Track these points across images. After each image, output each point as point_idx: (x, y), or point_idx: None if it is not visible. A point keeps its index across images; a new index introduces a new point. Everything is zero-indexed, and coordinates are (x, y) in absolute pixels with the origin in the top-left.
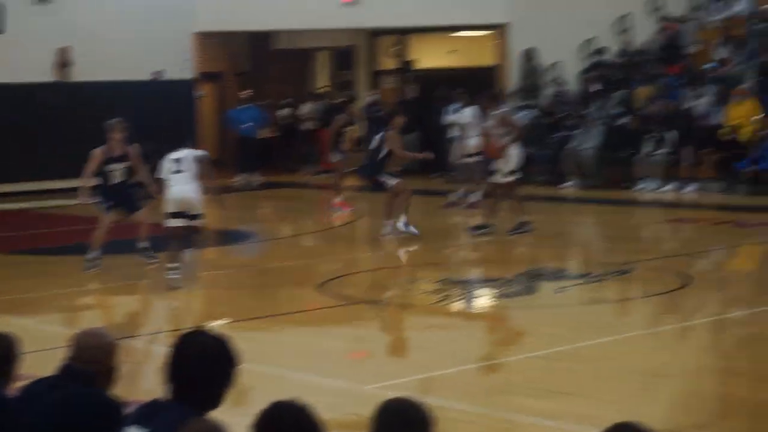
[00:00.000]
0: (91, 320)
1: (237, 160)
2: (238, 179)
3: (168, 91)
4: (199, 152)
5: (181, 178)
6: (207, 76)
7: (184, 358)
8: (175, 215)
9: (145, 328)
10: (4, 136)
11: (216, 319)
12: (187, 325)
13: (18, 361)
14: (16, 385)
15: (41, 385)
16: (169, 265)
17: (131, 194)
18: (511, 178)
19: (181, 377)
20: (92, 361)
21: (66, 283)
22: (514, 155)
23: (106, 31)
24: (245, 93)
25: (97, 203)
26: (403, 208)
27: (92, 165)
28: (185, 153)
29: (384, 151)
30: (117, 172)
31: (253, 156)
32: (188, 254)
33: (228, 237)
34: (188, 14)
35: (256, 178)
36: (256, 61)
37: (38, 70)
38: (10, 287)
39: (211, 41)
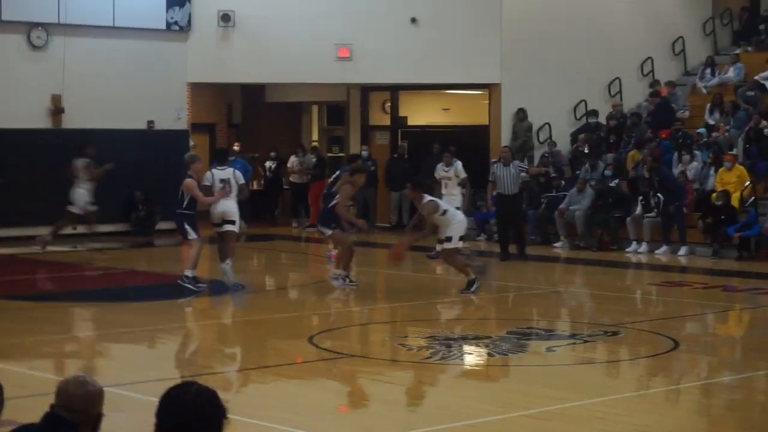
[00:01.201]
0: (75, 367)
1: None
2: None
3: (161, 141)
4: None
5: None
6: (200, 127)
7: (174, 409)
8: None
9: (131, 377)
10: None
11: (204, 369)
12: (174, 374)
13: (1, 407)
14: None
15: (27, 431)
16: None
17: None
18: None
19: (171, 428)
20: (77, 409)
21: (52, 329)
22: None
23: (99, 80)
24: (239, 145)
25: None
26: (345, 260)
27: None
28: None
29: (333, 201)
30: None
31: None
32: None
33: (216, 288)
34: (182, 65)
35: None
36: (248, 113)
37: (31, 116)
38: None
39: (205, 92)
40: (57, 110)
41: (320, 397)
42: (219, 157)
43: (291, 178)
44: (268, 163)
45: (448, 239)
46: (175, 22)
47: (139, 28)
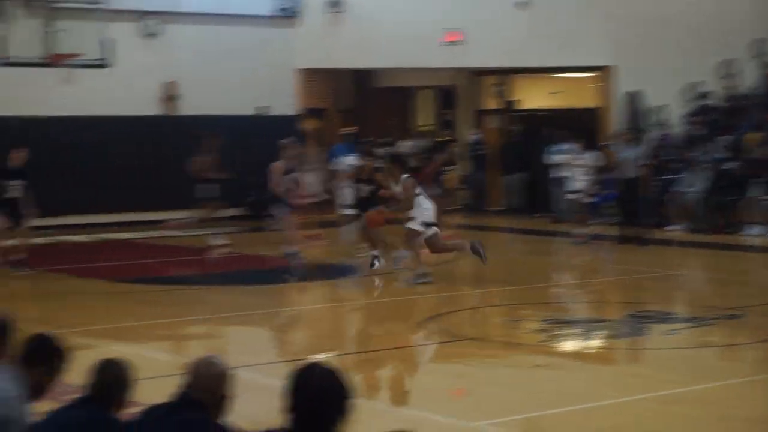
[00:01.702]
0: (198, 349)
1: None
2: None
3: (272, 126)
4: None
5: None
6: (311, 112)
7: (302, 390)
8: None
9: (252, 359)
10: (113, 168)
11: (322, 352)
12: (293, 357)
13: (131, 387)
14: (129, 411)
15: (157, 411)
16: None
17: None
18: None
19: (299, 408)
20: (206, 389)
21: (172, 312)
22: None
23: (211, 67)
24: (347, 130)
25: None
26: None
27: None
28: None
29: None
30: None
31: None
32: None
33: (331, 272)
34: (291, 51)
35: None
36: (359, 98)
37: (145, 104)
38: (118, 315)
39: (315, 78)
40: (170, 97)
41: (437, 380)
42: (348, 143)
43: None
44: (382, 149)
45: (412, 219)
46: (285, 9)
47: (249, 15)
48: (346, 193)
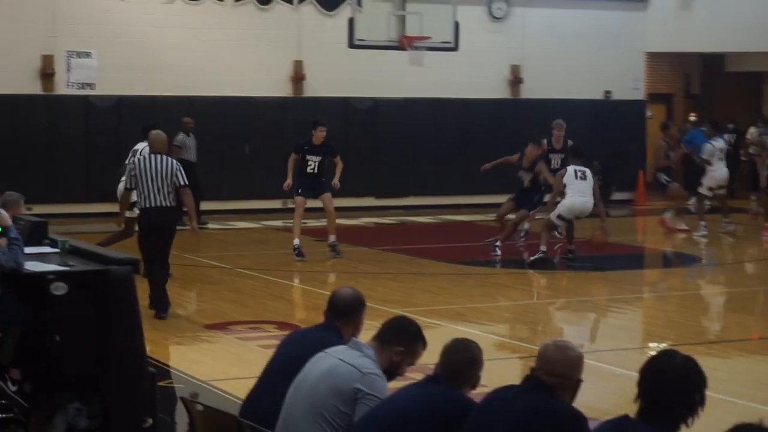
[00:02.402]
0: (532, 334)
1: (686, 182)
2: (690, 202)
3: (617, 111)
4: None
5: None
6: (656, 97)
7: (661, 377)
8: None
9: (592, 345)
10: (460, 151)
11: (662, 340)
12: (634, 344)
13: (482, 367)
14: (477, 392)
15: (507, 392)
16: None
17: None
18: None
19: (655, 395)
20: (557, 373)
21: (514, 295)
22: None
23: (556, 50)
24: (695, 116)
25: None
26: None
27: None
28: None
29: None
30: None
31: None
32: None
33: (673, 260)
34: (639, 35)
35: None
36: (706, 84)
37: (492, 87)
38: (457, 297)
39: (662, 62)
40: (516, 80)
41: None
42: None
43: (750, 150)
44: (726, 135)
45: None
46: None
47: None
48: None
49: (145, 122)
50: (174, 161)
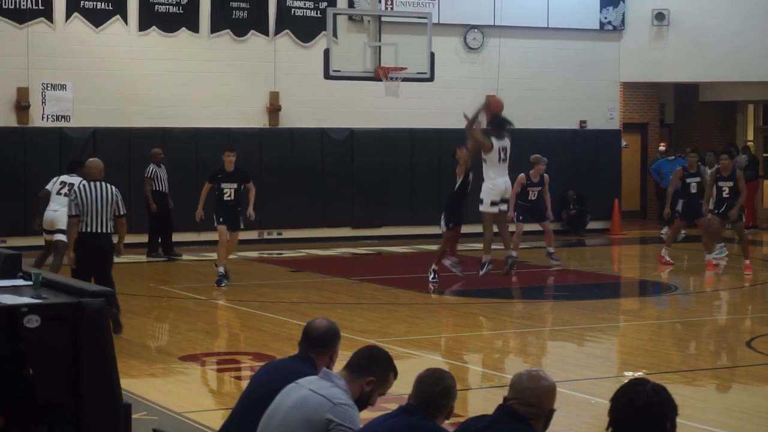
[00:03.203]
0: (509, 363)
1: (660, 211)
2: (663, 232)
3: (593, 141)
4: None
5: None
6: (631, 127)
7: (630, 406)
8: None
9: (566, 374)
10: (438, 180)
11: (638, 369)
12: (609, 374)
13: (456, 398)
14: (450, 422)
15: (479, 423)
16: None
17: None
18: None
19: (627, 425)
20: (530, 402)
21: (489, 325)
22: None
23: (532, 80)
24: (664, 145)
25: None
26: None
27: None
28: None
29: None
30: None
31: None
32: None
33: (648, 288)
34: (614, 65)
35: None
36: (680, 113)
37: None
38: (433, 326)
39: (637, 92)
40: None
41: (758, 403)
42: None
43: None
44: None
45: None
46: (609, 22)
47: (572, 28)
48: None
49: (119, 154)
50: (114, 189)
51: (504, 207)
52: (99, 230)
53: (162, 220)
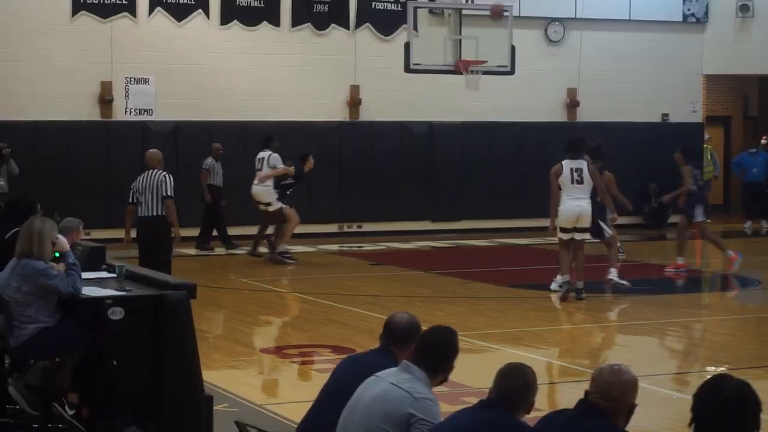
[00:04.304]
0: (591, 357)
1: (744, 206)
2: (746, 226)
3: (675, 134)
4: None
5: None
6: (714, 120)
7: (715, 403)
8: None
9: (647, 369)
10: (517, 174)
11: (720, 364)
12: (691, 368)
13: (536, 392)
14: (530, 416)
15: (560, 416)
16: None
17: None
18: None
19: (709, 420)
20: (611, 397)
21: (565, 319)
22: None
23: (613, 73)
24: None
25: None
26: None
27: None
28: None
29: None
30: None
31: (759, 203)
32: None
33: (731, 283)
34: (697, 57)
35: (764, 225)
36: (765, 106)
37: (549, 110)
38: (513, 320)
39: (720, 84)
40: (572, 103)
41: None
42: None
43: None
44: None
45: None
46: (692, 14)
47: (655, 20)
48: None
49: (202, 147)
50: (162, 174)
51: (578, 236)
52: (147, 214)
53: (216, 214)
